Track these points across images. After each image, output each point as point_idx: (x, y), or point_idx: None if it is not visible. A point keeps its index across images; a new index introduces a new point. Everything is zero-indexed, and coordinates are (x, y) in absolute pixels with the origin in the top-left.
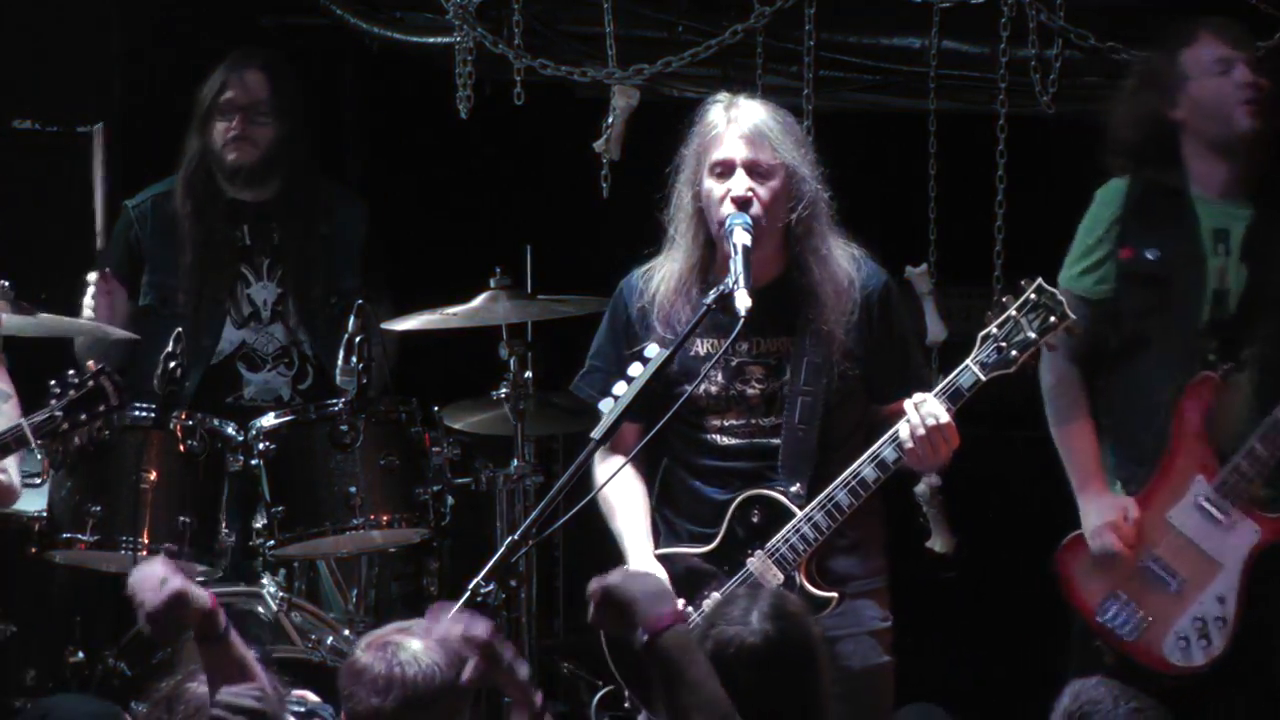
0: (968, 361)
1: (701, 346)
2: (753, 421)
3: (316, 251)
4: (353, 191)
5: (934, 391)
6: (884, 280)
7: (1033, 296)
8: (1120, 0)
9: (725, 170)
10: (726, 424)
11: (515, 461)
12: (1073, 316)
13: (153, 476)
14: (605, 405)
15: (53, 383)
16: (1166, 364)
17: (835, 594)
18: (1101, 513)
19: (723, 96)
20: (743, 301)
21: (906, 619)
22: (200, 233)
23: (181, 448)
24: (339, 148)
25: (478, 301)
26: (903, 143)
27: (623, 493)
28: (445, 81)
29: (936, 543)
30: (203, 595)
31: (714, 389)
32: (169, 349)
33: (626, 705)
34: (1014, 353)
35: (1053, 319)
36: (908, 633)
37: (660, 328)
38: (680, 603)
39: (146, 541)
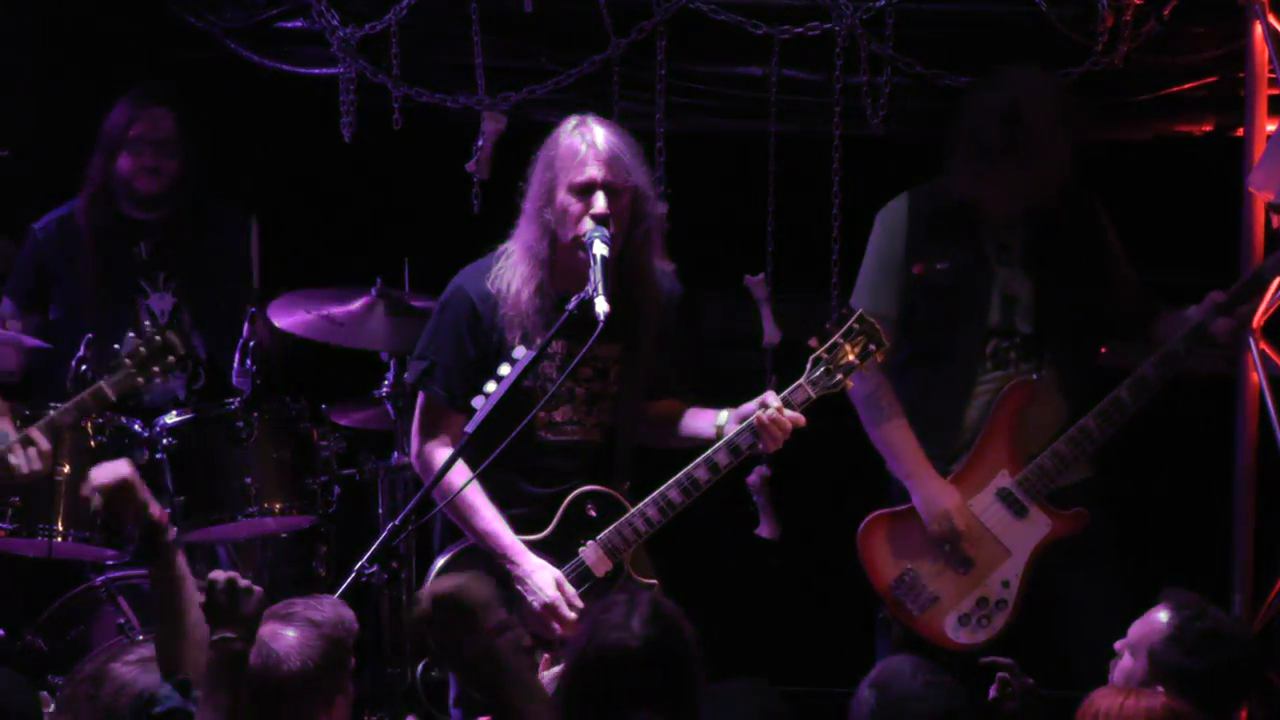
0: (801, 381)
1: (551, 346)
2: (575, 420)
3: (206, 262)
4: (238, 205)
5: (776, 403)
6: (681, 292)
7: (855, 326)
8: (943, 31)
9: (585, 189)
10: (553, 420)
11: (395, 454)
12: (887, 345)
13: (66, 469)
14: (477, 402)
15: (117, 346)
16: (958, 367)
17: (655, 582)
18: (941, 497)
19: (574, 119)
20: (601, 307)
21: (736, 602)
22: (102, 251)
23: (92, 443)
24: (235, 170)
25: (359, 307)
26: (745, 162)
27: (475, 491)
28: (331, 109)
29: (765, 529)
30: (154, 503)
31: (549, 385)
32: (80, 353)
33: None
34: (839, 375)
35: (871, 346)
36: (737, 614)
37: (512, 327)
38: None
39: (61, 528)
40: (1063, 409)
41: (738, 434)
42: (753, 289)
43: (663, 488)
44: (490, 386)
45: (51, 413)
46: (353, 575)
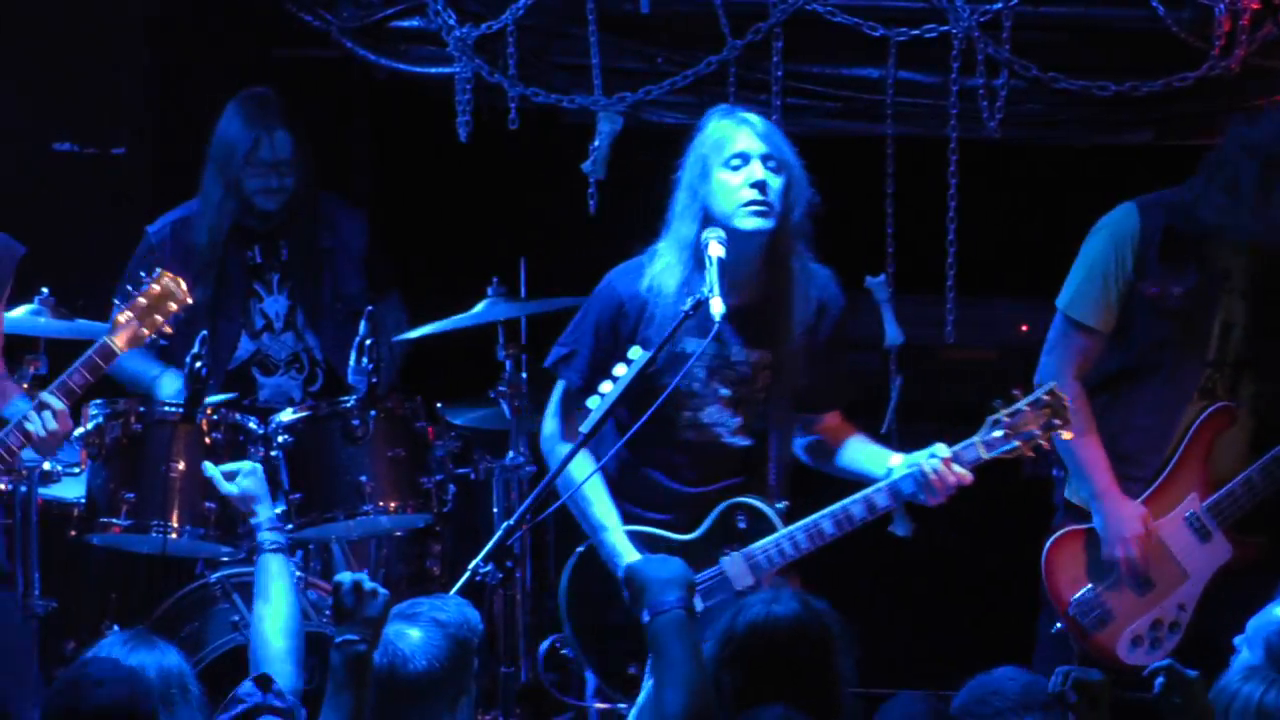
0: (975, 439)
1: (689, 345)
2: (720, 422)
3: (321, 263)
4: (352, 205)
5: (946, 455)
6: (844, 302)
7: (1045, 398)
8: (1060, 34)
9: (742, 160)
10: (699, 421)
11: (511, 453)
12: (1071, 424)
13: (181, 466)
14: (592, 402)
15: (117, 298)
16: (1172, 389)
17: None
18: (1127, 523)
19: (724, 107)
20: (716, 308)
21: (870, 601)
22: (217, 256)
23: (207, 440)
24: (351, 169)
25: (478, 307)
26: (863, 164)
27: (595, 485)
28: (447, 108)
29: (898, 528)
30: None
31: (695, 385)
32: (194, 350)
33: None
34: (1017, 442)
35: (1057, 421)
36: (874, 615)
37: (662, 327)
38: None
39: (175, 525)
40: (1259, 438)
41: (901, 479)
42: (875, 290)
43: (816, 516)
44: (606, 387)
45: (63, 376)
46: (467, 574)
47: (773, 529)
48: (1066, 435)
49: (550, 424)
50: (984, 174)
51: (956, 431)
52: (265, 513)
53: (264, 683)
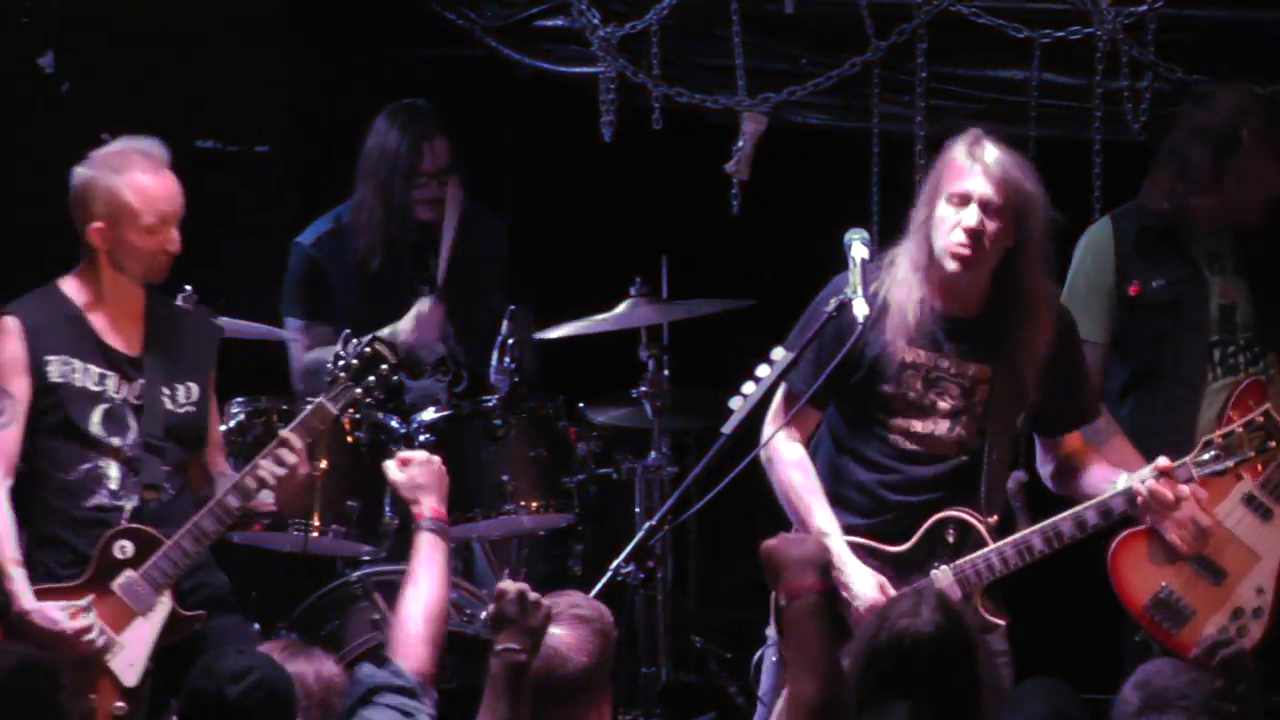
0: (1187, 460)
1: (908, 354)
2: (936, 434)
3: (466, 271)
4: (491, 212)
5: (1163, 465)
6: (1071, 320)
7: (1259, 419)
8: (1205, 36)
9: (962, 201)
10: (912, 429)
11: (652, 454)
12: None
13: (323, 465)
14: (734, 403)
15: (329, 362)
16: (1181, 384)
17: (1003, 622)
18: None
19: (972, 134)
20: (860, 309)
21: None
22: (374, 266)
23: (350, 439)
24: (494, 169)
25: (620, 307)
26: None
27: (814, 490)
28: (590, 108)
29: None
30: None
31: (911, 394)
32: (338, 349)
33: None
34: (1229, 463)
35: (1271, 444)
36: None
37: (890, 335)
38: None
39: (317, 524)
40: None
41: (1111, 496)
42: None
43: (1026, 532)
44: (748, 387)
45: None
46: (609, 574)
47: (982, 544)
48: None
49: (770, 428)
50: (1127, 176)
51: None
52: (431, 508)
53: (381, 661)
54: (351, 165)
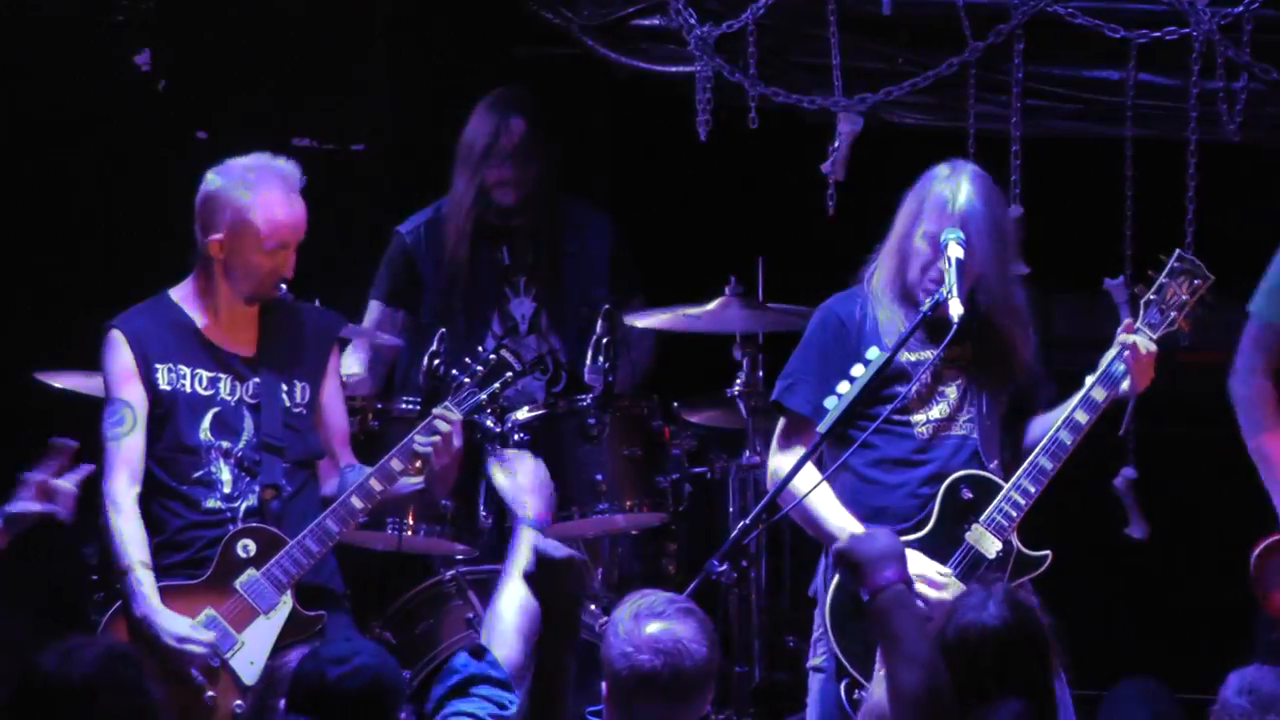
0: (1138, 324)
1: (909, 354)
2: (948, 418)
3: (567, 267)
4: (598, 209)
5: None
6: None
7: (1176, 264)
8: None
9: (938, 241)
10: (929, 420)
11: (746, 453)
12: (1212, 277)
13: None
14: (829, 402)
15: (455, 370)
16: None
17: (1048, 553)
18: None
19: (949, 166)
20: (955, 309)
21: (1099, 601)
22: (468, 256)
23: None
24: (590, 167)
25: (714, 306)
26: (1101, 166)
27: (823, 495)
28: (686, 107)
29: (1135, 530)
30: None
31: (921, 389)
32: (433, 348)
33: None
34: (1172, 313)
35: (1197, 281)
36: (1099, 613)
37: (875, 338)
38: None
39: (411, 523)
40: None
41: (1090, 388)
42: (1114, 292)
43: (1032, 456)
44: (843, 387)
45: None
46: (703, 574)
47: (998, 488)
48: (1206, 293)
49: (772, 454)
50: (1223, 177)
51: (1195, 435)
52: (534, 509)
53: (478, 653)
54: (449, 164)
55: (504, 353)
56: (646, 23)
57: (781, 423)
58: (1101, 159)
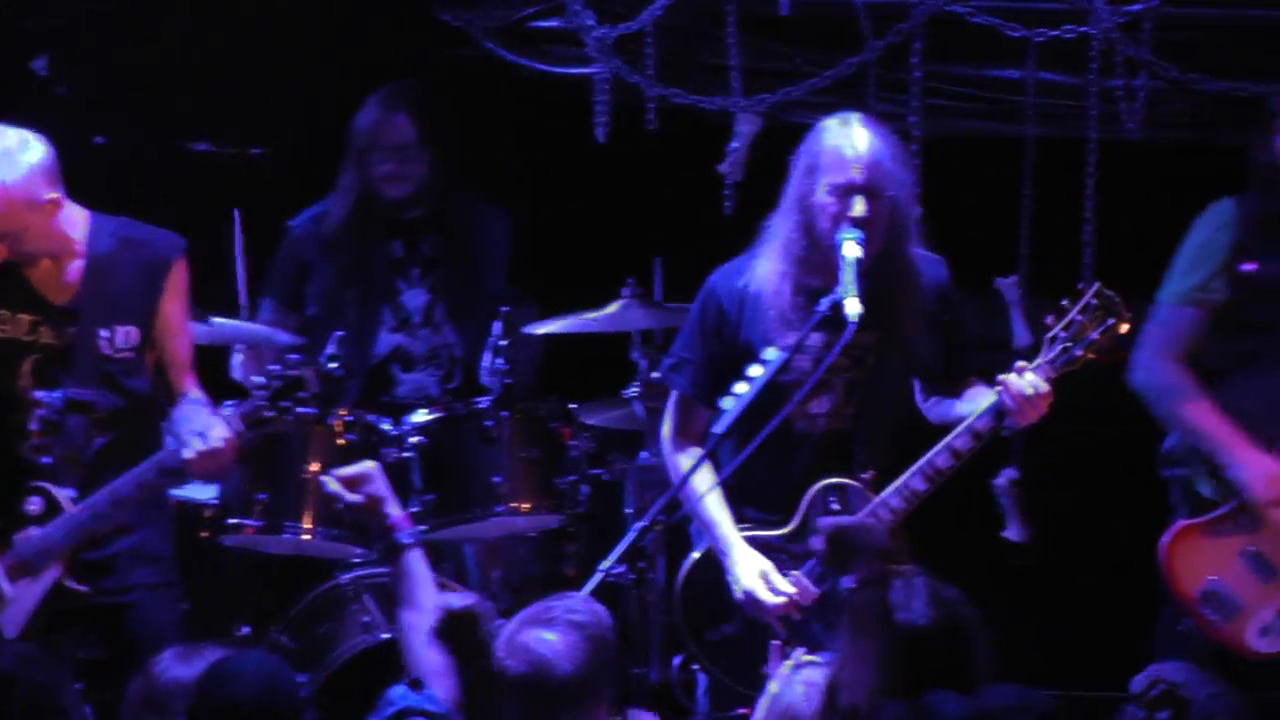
0: (1040, 361)
1: (791, 339)
2: (830, 410)
3: (462, 260)
4: (496, 204)
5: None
6: (948, 279)
7: (1093, 301)
8: (1200, 35)
9: (845, 191)
10: (808, 412)
11: (644, 454)
12: (1128, 315)
13: (314, 467)
14: (727, 403)
15: (256, 377)
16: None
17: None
18: (1268, 462)
19: (840, 117)
20: (853, 309)
21: (989, 605)
22: (358, 249)
23: (341, 441)
24: (490, 166)
25: (613, 308)
26: (1000, 165)
27: (717, 498)
28: (585, 108)
29: (1012, 532)
30: (394, 503)
31: (805, 379)
32: (330, 351)
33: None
34: (1079, 352)
35: (1110, 320)
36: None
37: (765, 322)
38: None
39: (308, 526)
40: None
41: (976, 418)
42: (1005, 291)
43: (905, 476)
44: (741, 388)
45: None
46: (598, 575)
47: (866, 501)
48: (1124, 329)
49: (664, 434)
50: (1122, 175)
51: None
52: (396, 510)
53: (417, 685)
54: None
55: (308, 372)
56: (546, 24)
57: (671, 400)
58: (1001, 157)
